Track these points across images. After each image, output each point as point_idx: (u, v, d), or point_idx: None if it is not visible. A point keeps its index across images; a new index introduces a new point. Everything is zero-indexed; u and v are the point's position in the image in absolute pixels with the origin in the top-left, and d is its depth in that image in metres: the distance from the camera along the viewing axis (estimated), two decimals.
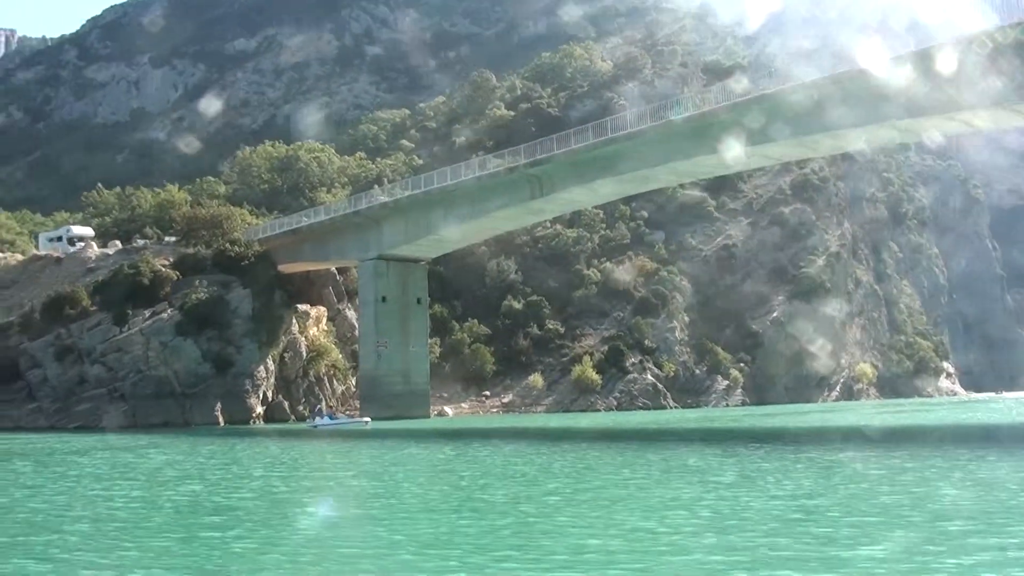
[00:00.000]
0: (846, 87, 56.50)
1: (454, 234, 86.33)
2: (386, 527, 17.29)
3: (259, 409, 79.50)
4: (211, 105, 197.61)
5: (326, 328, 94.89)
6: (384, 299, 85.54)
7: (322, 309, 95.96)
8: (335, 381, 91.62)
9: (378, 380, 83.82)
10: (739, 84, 68.72)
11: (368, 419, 74.10)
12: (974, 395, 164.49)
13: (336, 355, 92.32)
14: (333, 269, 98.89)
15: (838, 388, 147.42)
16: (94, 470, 32.98)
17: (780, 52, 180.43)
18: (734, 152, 60.51)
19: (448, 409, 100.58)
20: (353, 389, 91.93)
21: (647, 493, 21.98)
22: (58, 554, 15.11)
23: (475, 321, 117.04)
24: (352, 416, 77.07)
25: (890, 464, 28.05)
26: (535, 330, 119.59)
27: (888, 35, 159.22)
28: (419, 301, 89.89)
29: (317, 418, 75.29)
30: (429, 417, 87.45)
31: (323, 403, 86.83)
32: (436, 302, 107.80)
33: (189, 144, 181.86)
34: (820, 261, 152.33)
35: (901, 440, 42.91)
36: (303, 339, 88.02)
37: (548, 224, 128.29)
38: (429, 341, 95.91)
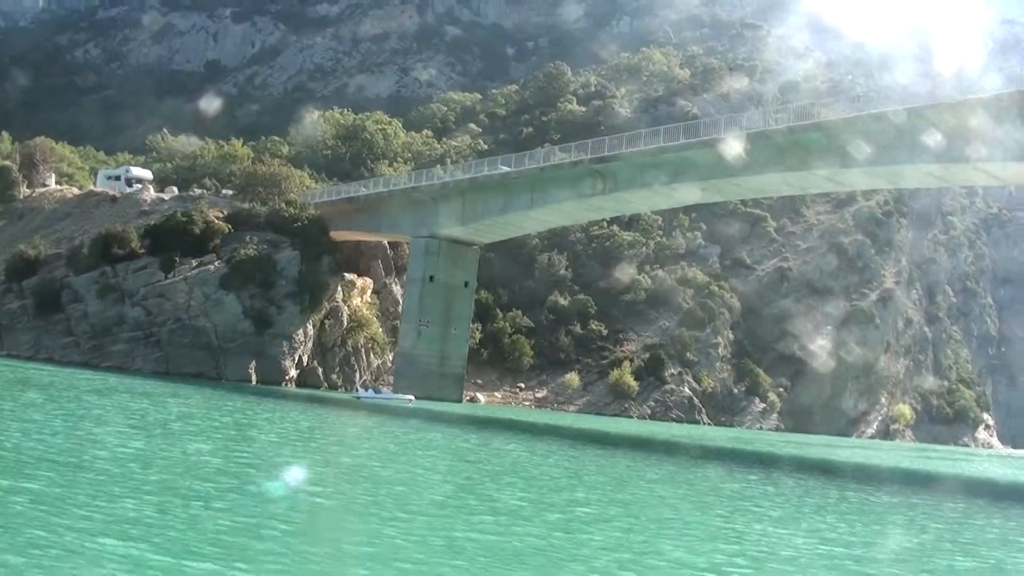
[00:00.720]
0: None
1: (510, 222, 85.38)
2: (379, 525, 15.92)
3: (292, 372, 79.26)
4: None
5: (370, 300, 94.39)
6: (432, 278, 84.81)
7: (368, 281, 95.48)
8: (372, 354, 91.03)
9: (415, 358, 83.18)
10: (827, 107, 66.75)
11: (411, 397, 73.89)
12: (1012, 451, 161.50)
13: (376, 328, 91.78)
14: (385, 242, 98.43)
15: (874, 425, 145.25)
16: (103, 412, 32.28)
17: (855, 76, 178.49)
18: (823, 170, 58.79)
19: (480, 396, 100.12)
20: (389, 364, 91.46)
21: (685, 518, 20.68)
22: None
23: (519, 312, 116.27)
24: (398, 393, 76.53)
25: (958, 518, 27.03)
26: (578, 329, 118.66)
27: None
28: (466, 285, 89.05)
29: (361, 390, 75.18)
30: (461, 401, 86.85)
31: (368, 376, 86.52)
32: (483, 288, 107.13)
33: (258, 101, 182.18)
34: (873, 296, 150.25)
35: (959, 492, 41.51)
36: (346, 308, 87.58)
37: (604, 224, 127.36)
38: (471, 326, 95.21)
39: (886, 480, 40.40)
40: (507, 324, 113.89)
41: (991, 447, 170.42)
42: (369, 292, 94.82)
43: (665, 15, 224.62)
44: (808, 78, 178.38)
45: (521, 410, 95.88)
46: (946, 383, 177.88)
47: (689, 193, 75.45)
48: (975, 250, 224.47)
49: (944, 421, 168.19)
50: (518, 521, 17.32)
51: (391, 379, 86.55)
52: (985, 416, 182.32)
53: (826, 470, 43.40)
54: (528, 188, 79.40)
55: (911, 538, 20.48)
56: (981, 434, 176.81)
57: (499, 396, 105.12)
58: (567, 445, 43.18)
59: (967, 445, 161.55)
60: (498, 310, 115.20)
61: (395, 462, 27.12)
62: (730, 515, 21.47)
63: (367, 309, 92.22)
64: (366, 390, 75.33)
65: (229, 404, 44.49)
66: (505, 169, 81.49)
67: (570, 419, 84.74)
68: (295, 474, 20.40)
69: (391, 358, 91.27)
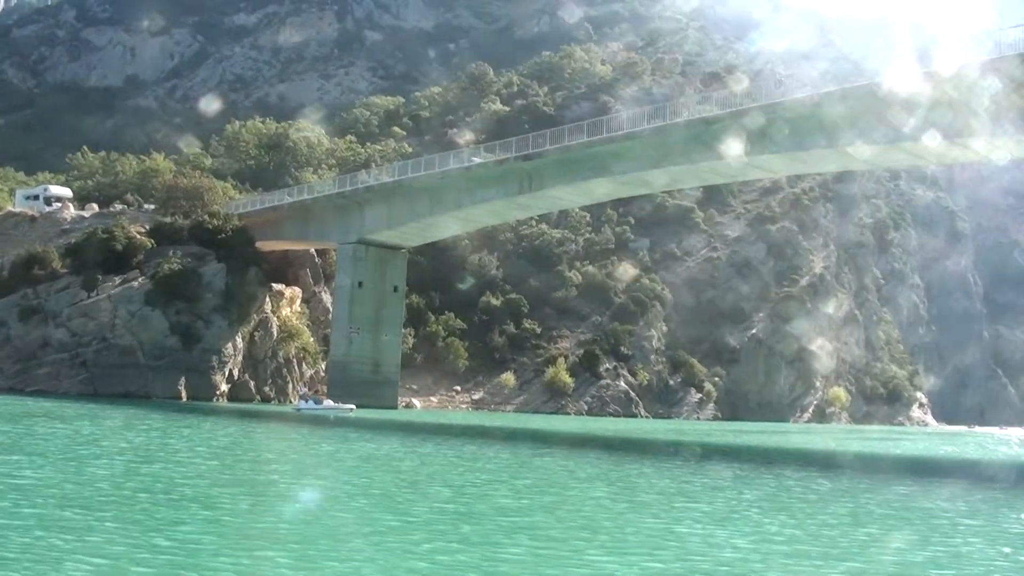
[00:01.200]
0: (852, 101, 55.23)
1: (438, 224, 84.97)
2: (274, 551, 14.47)
3: (224, 387, 78.16)
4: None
5: (300, 310, 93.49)
6: (361, 284, 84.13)
7: (297, 290, 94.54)
8: (304, 364, 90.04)
9: (348, 366, 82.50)
10: (739, 84, 67.43)
11: (353, 406, 72.70)
12: (945, 427, 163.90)
13: (307, 338, 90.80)
14: (312, 251, 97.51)
15: (811, 410, 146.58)
16: (3, 440, 30.85)
17: (784, 58, 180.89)
18: (734, 153, 59.11)
19: (416, 401, 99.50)
20: (322, 374, 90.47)
21: (618, 520, 19.23)
22: None
23: (451, 314, 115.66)
24: (338, 403, 75.33)
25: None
26: (511, 328, 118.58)
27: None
28: (396, 289, 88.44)
29: (302, 402, 73.88)
30: (396, 408, 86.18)
31: (305, 387, 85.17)
32: (414, 292, 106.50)
33: (179, 115, 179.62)
34: (803, 281, 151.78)
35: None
36: (275, 319, 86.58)
37: (533, 223, 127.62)
38: (403, 331, 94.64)
39: (825, 465, 40.23)
40: (440, 327, 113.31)
41: (926, 425, 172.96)
42: (298, 301, 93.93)
43: (585, 12, 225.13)
44: (729, 68, 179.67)
45: (457, 413, 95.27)
46: (879, 364, 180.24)
47: (615, 188, 75.55)
48: (901, 232, 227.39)
49: (879, 401, 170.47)
50: (430, 535, 16.27)
51: (325, 388, 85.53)
52: (918, 395, 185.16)
53: (765, 458, 43.17)
54: (454, 189, 79.08)
55: (858, 528, 19.73)
56: (916, 412, 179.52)
57: (435, 400, 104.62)
58: (499, 447, 42.66)
59: (902, 424, 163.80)
60: (431, 313, 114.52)
61: (309, 476, 26.29)
62: (667, 514, 20.33)
63: (297, 319, 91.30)
64: (306, 401, 73.95)
65: (147, 423, 43.31)
66: (431, 171, 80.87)
67: (506, 419, 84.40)
68: (194, 495, 19.49)
69: (324, 367, 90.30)
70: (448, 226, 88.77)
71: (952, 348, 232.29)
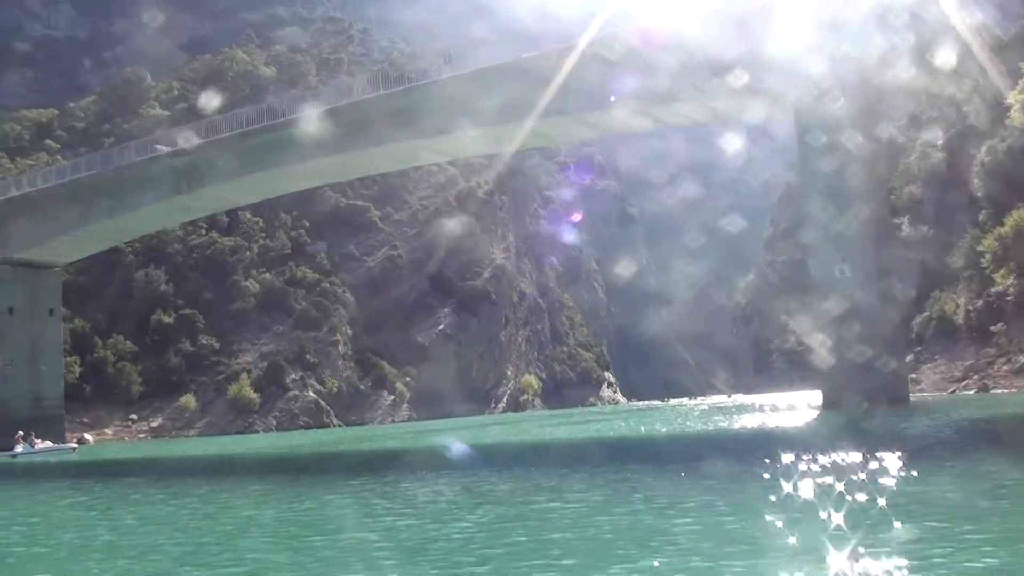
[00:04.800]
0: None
1: (93, 235, 77.11)
2: None
3: None
4: None
5: None
6: (11, 311, 75.96)
7: None
8: None
9: (4, 404, 73.64)
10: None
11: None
12: (636, 403, 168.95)
13: None
14: None
15: (505, 400, 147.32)
16: None
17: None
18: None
19: (89, 436, 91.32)
20: None
21: (273, 559, 13.13)
22: None
23: (121, 337, 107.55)
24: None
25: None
26: (188, 346, 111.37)
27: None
28: (52, 313, 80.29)
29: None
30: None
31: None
32: (76, 315, 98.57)
33: None
34: (486, 273, 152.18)
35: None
36: None
37: (203, 231, 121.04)
38: (67, 359, 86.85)
39: (513, 461, 36.57)
40: (109, 352, 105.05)
41: (617, 403, 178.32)
42: None
43: (246, 17, 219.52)
44: (396, 66, 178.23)
45: (133, 444, 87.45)
46: (566, 349, 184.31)
47: (285, 182, 71.89)
48: (575, 220, 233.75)
49: (570, 385, 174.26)
50: None
51: None
52: (607, 374, 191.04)
53: (452, 463, 38.91)
54: (106, 194, 71.74)
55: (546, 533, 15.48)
56: (606, 392, 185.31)
57: (110, 432, 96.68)
58: (162, 483, 36.04)
59: (595, 404, 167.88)
60: (97, 337, 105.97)
61: None
62: (332, 543, 13.62)
63: None
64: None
65: None
66: (76, 175, 73.84)
67: (185, 446, 77.63)
68: None
69: None
70: (105, 236, 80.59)
71: (633, 328, 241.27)
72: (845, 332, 42.69)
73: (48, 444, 64.14)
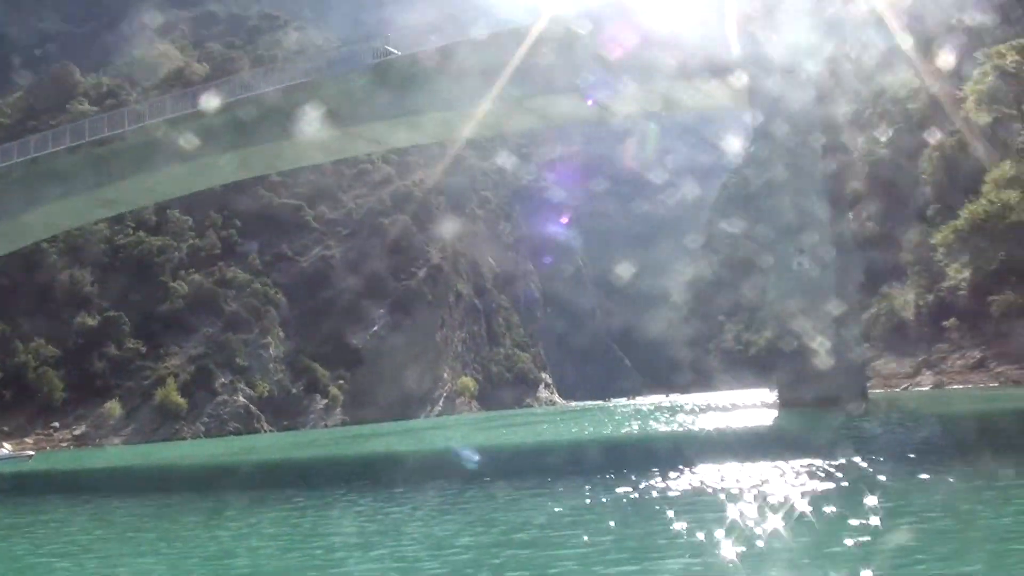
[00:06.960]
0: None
1: (4, 233, 72.37)
2: None
3: None
4: None
5: None
6: None
7: None
8: None
9: None
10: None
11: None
12: (574, 403, 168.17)
13: None
14: None
15: (440, 403, 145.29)
16: None
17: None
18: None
19: (7, 445, 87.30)
20: None
21: None
22: None
23: (42, 341, 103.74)
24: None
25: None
26: (113, 350, 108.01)
27: None
28: None
29: None
30: None
31: None
32: None
33: None
34: (421, 274, 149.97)
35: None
36: None
37: (130, 230, 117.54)
38: None
39: (424, 470, 33.60)
40: (30, 356, 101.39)
41: (555, 403, 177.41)
42: None
43: (178, 14, 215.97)
44: (312, 59, 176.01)
45: (53, 455, 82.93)
46: (502, 350, 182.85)
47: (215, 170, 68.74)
48: (512, 221, 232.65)
49: (507, 385, 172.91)
50: None
51: None
52: (544, 375, 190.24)
53: (381, 468, 36.88)
54: (20, 187, 67.46)
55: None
56: (543, 392, 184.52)
57: (31, 441, 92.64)
58: (75, 499, 33.22)
59: (531, 405, 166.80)
60: (18, 341, 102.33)
61: None
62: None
63: None
64: None
65: None
66: None
67: (108, 456, 74.01)
68: None
69: None
70: (19, 233, 75.68)
71: (569, 329, 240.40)
72: (805, 328, 41.11)
73: (6, 451, 62.50)
